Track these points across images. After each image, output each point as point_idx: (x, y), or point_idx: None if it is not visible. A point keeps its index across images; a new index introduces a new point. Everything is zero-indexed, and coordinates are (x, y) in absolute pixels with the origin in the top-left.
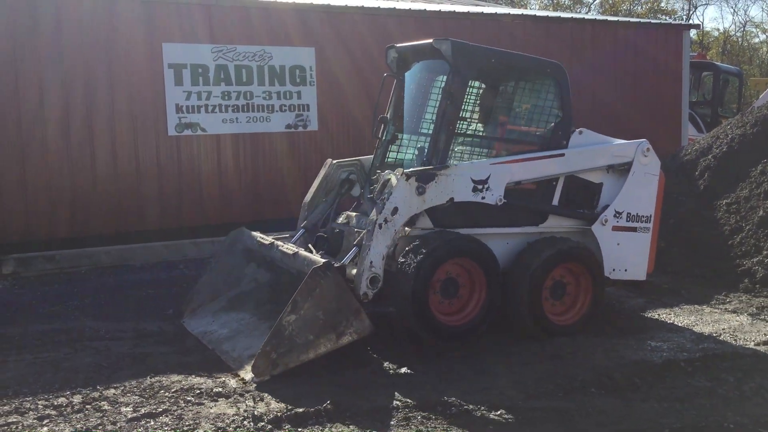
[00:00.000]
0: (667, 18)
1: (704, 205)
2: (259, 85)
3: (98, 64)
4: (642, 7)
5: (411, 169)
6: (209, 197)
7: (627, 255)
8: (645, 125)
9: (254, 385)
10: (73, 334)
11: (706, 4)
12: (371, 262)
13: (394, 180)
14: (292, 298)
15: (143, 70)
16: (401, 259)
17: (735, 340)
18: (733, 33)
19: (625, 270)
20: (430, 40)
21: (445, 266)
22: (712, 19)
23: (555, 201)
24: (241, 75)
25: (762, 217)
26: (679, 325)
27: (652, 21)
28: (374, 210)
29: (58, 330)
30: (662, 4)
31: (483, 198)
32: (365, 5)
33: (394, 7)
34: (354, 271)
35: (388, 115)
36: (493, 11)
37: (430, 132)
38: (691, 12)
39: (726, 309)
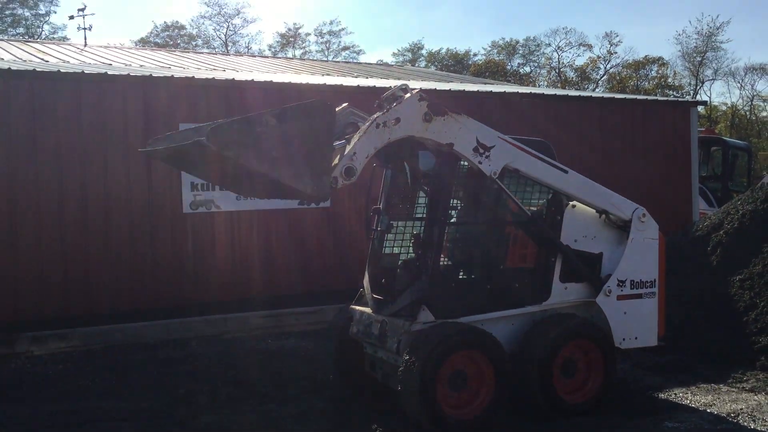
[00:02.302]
0: (675, 93)
1: (718, 281)
2: None
3: (115, 142)
4: (650, 83)
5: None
6: (223, 273)
7: (636, 322)
8: (655, 200)
9: None
10: (82, 415)
11: (713, 80)
12: (355, 153)
13: (408, 95)
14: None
15: None
16: (406, 357)
17: (754, 421)
18: (741, 107)
19: (636, 338)
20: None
21: (451, 360)
22: (720, 94)
23: (556, 276)
24: None
25: None
26: (696, 405)
27: (660, 98)
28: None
29: (68, 411)
30: (669, 80)
31: (479, 163)
32: (370, 85)
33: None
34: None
35: (381, 206)
36: (502, 90)
37: (424, 216)
38: (698, 87)
39: (743, 388)
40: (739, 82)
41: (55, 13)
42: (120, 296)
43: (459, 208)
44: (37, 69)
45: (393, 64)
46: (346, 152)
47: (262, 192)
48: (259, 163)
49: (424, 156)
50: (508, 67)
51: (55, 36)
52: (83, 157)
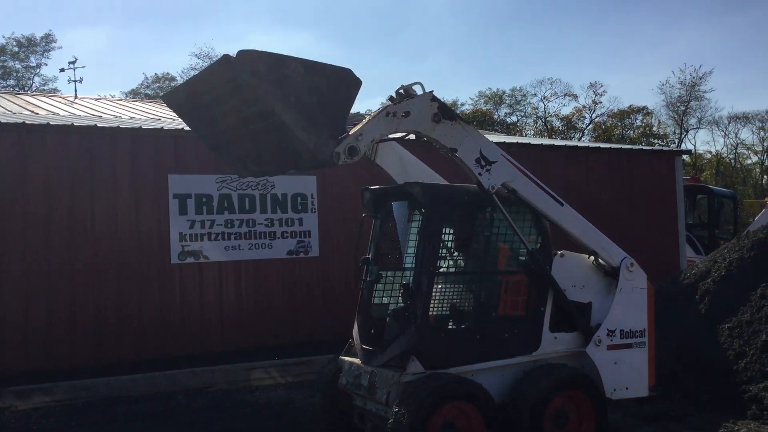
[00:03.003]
0: (660, 142)
1: (707, 329)
2: (262, 213)
3: (103, 193)
4: (635, 132)
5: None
6: (210, 325)
7: (626, 373)
8: (643, 248)
9: None
10: None
11: (697, 128)
12: (361, 134)
13: (419, 91)
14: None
15: (148, 200)
16: (396, 408)
17: None
18: (725, 155)
19: (627, 388)
20: (402, 184)
21: (441, 412)
22: (704, 142)
23: (546, 325)
24: (244, 203)
25: (765, 341)
26: None
27: (645, 148)
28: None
29: None
30: (654, 129)
31: (479, 174)
32: None
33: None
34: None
35: (370, 256)
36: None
37: (414, 266)
38: (683, 135)
39: None
40: (723, 131)
41: (46, 65)
42: (105, 348)
43: (449, 256)
44: (27, 122)
45: None
46: (352, 132)
47: (261, 155)
48: (276, 101)
49: (400, 206)
50: (495, 117)
51: (45, 88)
52: (71, 208)
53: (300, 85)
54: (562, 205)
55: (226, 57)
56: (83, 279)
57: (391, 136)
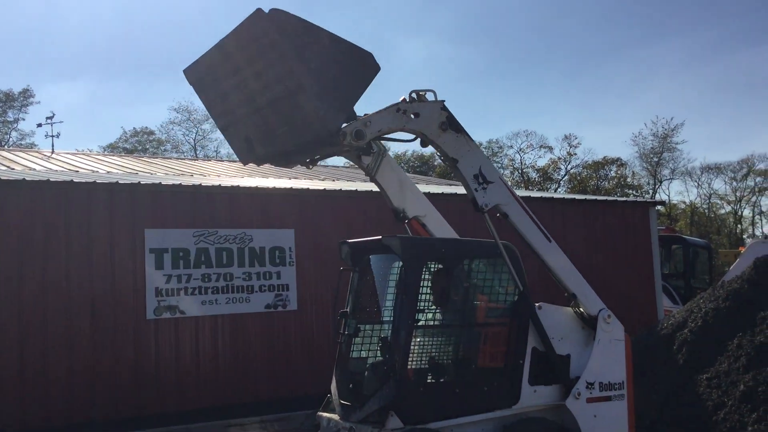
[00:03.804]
0: (634, 192)
1: (685, 380)
2: (239, 266)
3: (79, 248)
4: (609, 183)
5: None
6: (186, 381)
7: (606, 426)
8: (620, 298)
9: None
10: None
11: (671, 179)
12: (370, 121)
13: (431, 98)
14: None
15: (124, 255)
16: None
17: None
18: (699, 205)
19: None
20: (380, 237)
21: None
22: (678, 193)
23: (525, 378)
24: (221, 257)
25: (743, 391)
26: None
27: (619, 199)
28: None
29: None
30: (628, 180)
31: (475, 190)
32: (350, 189)
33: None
34: None
35: (348, 309)
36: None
37: (392, 319)
38: (656, 186)
39: None
40: (696, 181)
41: (24, 120)
42: (78, 406)
43: (427, 309)
44: (2, 177)
45: None
46: (361, 118)
47: (269, 133)
48: (298, 63)
49: (378, 259)
50: None
51: (23, 143)
52: (44, 263)
53: (323, 54)
54: (550, 241)
55: (259, 10)
56: (55, 335)
57: (395, 135)
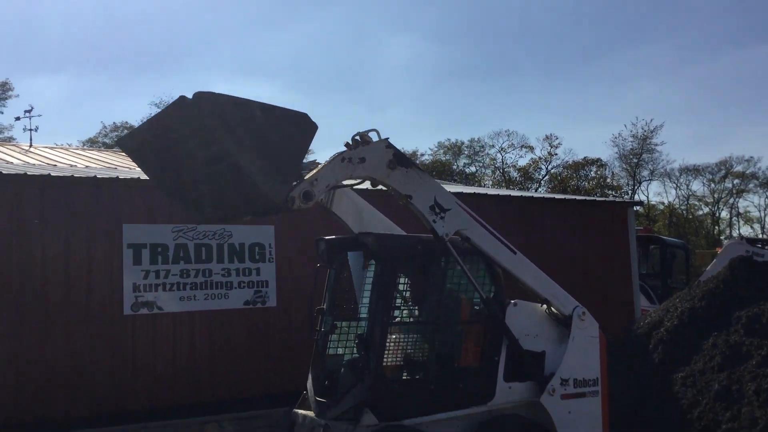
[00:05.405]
0: (614, 193)
1: (661, 379)
2: (219, 263)
3: (56, 243)
4: (589, 183)
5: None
6: (163, 378)
7: (581, 422)
8: (597, 297)
9: None
10: None
11: (650, 180)
12: (316, 179)
13: (375, 138)
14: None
15: (102, 250)
16: None
17: None
18: (677, 206)
19: None
20: (356, 234)
21: None
22: (657, 194)
23: (500, 375)
24: (200, 253)
25: (718, 390)
26: None
27: (598, 199)
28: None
29: None
30: (608, 180)
31: (434, 221)
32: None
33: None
34: None
35: (324, 306)
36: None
37: (368, 316)
38: (636, 187)
39: None
40: (674, 183)
41: (2, 113)
42: (55, 403)
43: (403, 306)
44: None
45: None
46: (307, 177)
47: (219, 198)
48: (231, 144)
49: (354, 257)
50: (455, 167)
51: (0, 136)
52: (20, 258)
53: (256, 128)
54: (515, 253)
55: (182, 98)
56: (31, 331)
57: (346, 182)
